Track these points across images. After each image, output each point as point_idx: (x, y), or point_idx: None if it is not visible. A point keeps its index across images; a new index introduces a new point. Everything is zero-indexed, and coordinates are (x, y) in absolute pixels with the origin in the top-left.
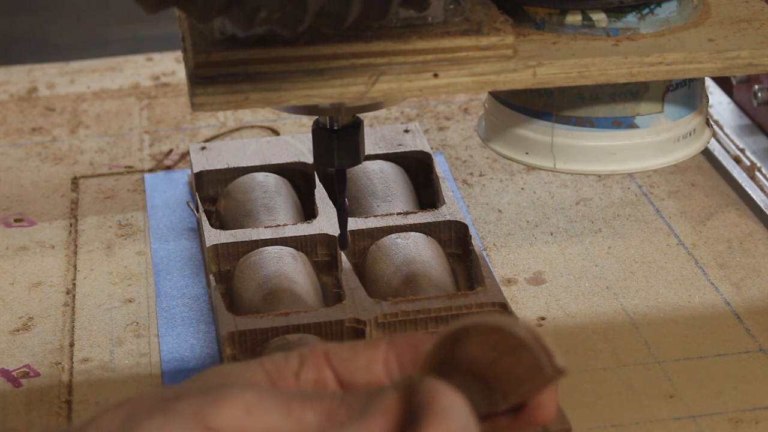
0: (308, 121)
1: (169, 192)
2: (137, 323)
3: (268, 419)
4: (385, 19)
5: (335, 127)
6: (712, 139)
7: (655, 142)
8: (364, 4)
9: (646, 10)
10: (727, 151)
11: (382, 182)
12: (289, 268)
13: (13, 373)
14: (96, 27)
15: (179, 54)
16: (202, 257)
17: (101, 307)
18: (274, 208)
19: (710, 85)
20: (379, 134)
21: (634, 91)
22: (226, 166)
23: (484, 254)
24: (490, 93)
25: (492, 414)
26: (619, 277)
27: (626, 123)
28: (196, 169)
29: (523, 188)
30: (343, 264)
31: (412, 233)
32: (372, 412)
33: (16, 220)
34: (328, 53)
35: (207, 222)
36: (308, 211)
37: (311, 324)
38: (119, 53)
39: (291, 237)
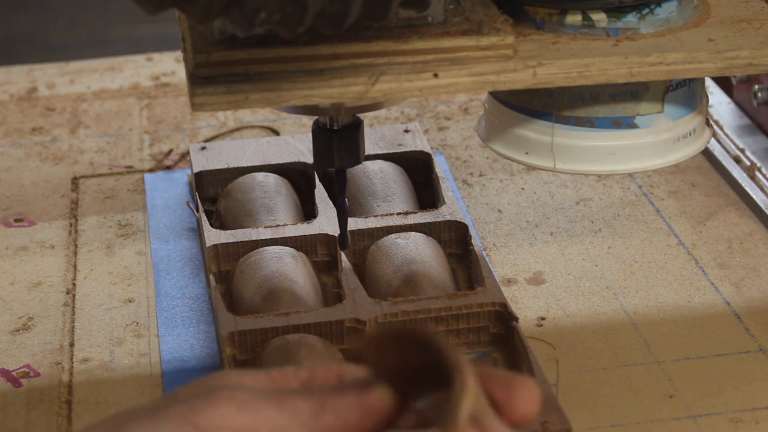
0: (308, 121)
1: (169, 192)
2: (137, 323)
3: (261, 414)
4: (385, 19)
5: (335, 127)
6: (712, 139)
7: (655, 142)
8: (364, 5)
9: (646, 10)
10: (727, 151)
11: (382, 182)
12: (289, 268)
13: (13, 373)
14: (96, 27)
15: (179, 54)
16: (202, 257)
17: (101, 307)
18: (274, 208)
19: (710, 85)
20: (379, 134)
21: (634, 91)
22: (226, 166)
23: (484, 254)
24: (490, 93)
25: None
26: (619, 277)
27: (626, 123)
28: (196, 169)
29: (523, 188)
30: (343, 264)
31: (412, 233)
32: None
33: (16, 220)
34: (328, 53)
35: (207, 222)
36: (308, 211)
37: (311, 324)
38: (119, 53)
39: (291, 237)
